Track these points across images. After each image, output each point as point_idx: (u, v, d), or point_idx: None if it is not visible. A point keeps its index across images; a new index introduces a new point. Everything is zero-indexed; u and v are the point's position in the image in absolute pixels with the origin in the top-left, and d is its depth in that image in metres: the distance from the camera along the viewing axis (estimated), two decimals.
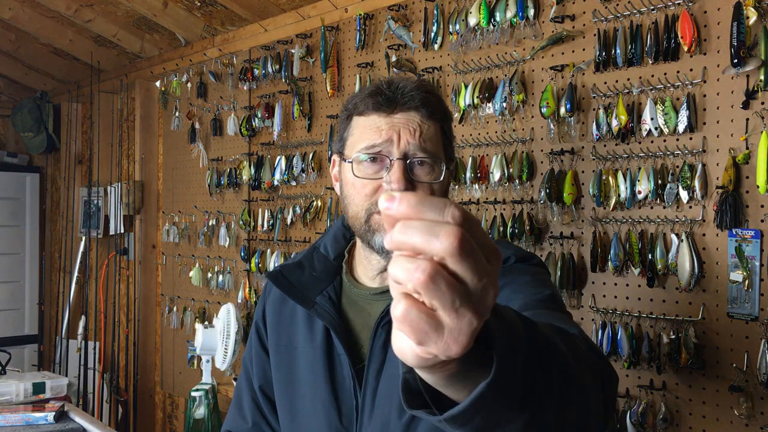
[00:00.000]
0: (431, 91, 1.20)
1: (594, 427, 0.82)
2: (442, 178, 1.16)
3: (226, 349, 2.88)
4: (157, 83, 4.25)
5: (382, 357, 1.15)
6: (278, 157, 3.29)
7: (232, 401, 1.41)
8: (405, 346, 0.53)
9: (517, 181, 2.26)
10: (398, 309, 0.51)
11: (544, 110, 2.16)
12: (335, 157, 1.26)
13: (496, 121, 2.35)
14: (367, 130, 1.16)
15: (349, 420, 1.18)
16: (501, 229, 2.29)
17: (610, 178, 2.04)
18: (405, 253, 0.51)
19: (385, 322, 1.15)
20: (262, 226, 3.39)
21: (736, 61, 1.75)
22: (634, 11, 1.99)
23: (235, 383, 1.44)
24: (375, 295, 1.23)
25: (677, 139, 1.92)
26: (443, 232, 0.49)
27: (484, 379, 0.57)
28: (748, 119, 1.78)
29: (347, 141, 1.20)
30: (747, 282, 1.77)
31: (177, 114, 4.06)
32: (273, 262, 3.29)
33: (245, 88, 3.51)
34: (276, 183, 3.30)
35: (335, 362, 1.21)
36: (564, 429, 0.70)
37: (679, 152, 1.91)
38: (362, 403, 1.16)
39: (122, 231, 4.48)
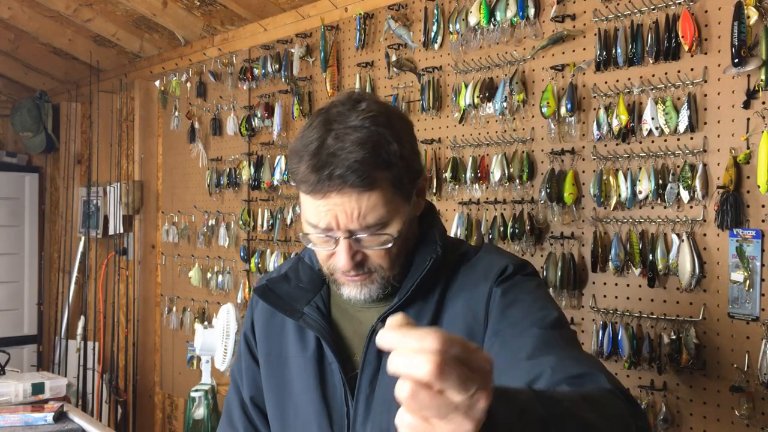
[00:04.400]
0: (367, 141, 1.06)
1: None
2: (390, 245, 1.12)
3: (225, 349, 2.87)
4: (157, 83, 4.24)
5: (375, 364, 1.15)
6: (278, 157, 3.29)
7: (222, 416, 1.40)
8: None
9: (517, 181, 2.25)
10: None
11: (544, 110, 2.16)
12: None
13: (496, 120, 2.34)
14: (309, 207, 1.12)
15: (341, 427, 1.18)
16: (501, 229, 2.28)
17: (611, 178, 2.04)
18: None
19: (379, 329, 1.14)
20: (262, 226, 3.38)
21: (737, 60, 1.75)
22: (635, 11, 1.99)
23: None
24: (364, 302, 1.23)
25: (678, 139, 1.91)
26: (421, 360, 0.58)
27: None
28: (749, 119, 1.78)
29: (299, 195, 1.16)
30: (748, 282, 1.76)
31: (176, 114, 4.06)
32: (273, 262, 3.29)
33: (245, 87, 3.50)
34: (276, 183, 3.29)
35: (326, 370, 1.21)
36: None
37: (679, 152, 1.90)
38: (354, 410, 1.16)
39: (121, 231, 4.48)
